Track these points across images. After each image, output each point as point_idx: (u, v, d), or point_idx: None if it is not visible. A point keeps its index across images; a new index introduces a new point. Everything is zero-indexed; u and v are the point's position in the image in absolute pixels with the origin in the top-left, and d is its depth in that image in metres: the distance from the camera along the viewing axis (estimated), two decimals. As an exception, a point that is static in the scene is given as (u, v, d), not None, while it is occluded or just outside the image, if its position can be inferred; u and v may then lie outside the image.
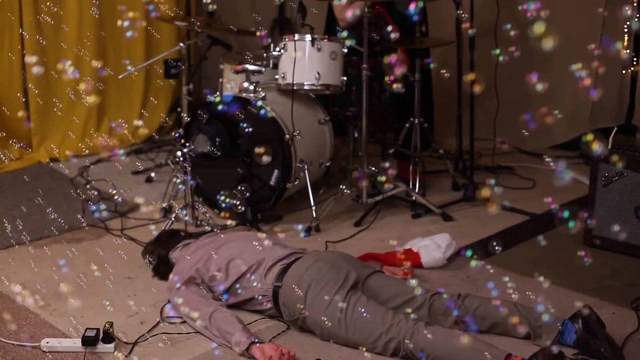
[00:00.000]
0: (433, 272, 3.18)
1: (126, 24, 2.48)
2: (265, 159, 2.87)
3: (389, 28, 3.06)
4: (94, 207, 3.40)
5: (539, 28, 1.85)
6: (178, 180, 3.84)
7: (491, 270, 2.71)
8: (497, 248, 2.60)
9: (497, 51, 2.20)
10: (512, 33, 2.11)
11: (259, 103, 3.54)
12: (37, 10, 4.76)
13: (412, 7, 2.35)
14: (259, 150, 2.91)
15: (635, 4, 4.34)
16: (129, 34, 2.46)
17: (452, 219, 3.80)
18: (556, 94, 4.84)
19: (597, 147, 2.11)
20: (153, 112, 5.51)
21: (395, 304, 2.63)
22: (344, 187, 3.80)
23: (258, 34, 3.24)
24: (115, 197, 2.90)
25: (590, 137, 2.08)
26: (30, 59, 3.98)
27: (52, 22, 4.80)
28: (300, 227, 3.55)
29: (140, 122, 4.96)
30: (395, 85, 3.12)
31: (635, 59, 4.44)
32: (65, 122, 5.02)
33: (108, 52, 5.19)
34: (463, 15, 4.12)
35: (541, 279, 2.47)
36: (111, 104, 5.28)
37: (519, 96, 4.69)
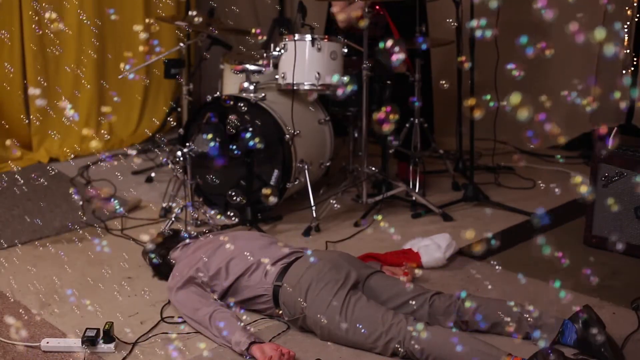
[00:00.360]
0: (433, 272, 3.18)
1: (128, 67, 2.50)
2: (272, 200, 2.86)
3: (394, 58, 3.05)
4: (98, 244, 3.39)
5: (515, 98, 1.89)
6: (174, 205, 3.79)
7: (497, 267, 2.72)
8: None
9: (488, 97, 2.22)
10: (515, 73, 2.14)
11: (248, 135, 3.53)
12: (38, 9, 4.76)
13: (394, 59, 2.38)
14: (265, 191, 2.89)
15: (635, 4, 4.34)
16: (130, 76, 2.48)
17: (452, 219, 3.80)
18: (557, 94, 4.83)
19: (585, 190, 2.17)
20: (153, 113, 5.51)
21: (395, 304, 2.63)
22: (334, 201, 3.78)
23: (253, 30, 3.23)
24: (117, 208, 2.91)
25: (578, 179, 2.11)
26: (34, 91, 4.00)
27: (52, 18, 4.80)
28: (309, 252, 3.53)
29: (134, 152, 4.98)
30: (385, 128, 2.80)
31: (635, 59, 4.44)
32: (65, 123, 5.02)
33: (108, 52, 5.19)
34: (453, 24, 4.09)
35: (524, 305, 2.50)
36: (111, 104, 5.27)
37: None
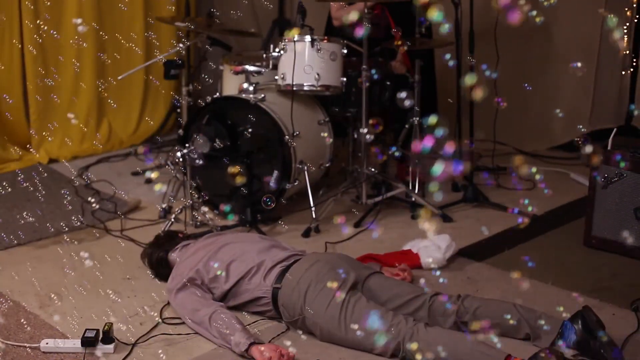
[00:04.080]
0: (432, 273, 3.18)
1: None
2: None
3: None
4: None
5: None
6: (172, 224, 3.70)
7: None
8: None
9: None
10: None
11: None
12: (37, 10, 4.76)
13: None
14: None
15: (634, 5, 4.35)
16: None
17: (451, 220, 3.80)
18: (556, 95, 4.84)
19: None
20: (153, 113, 5.51)
21: (394, 304, 2.63)
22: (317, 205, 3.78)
23: None
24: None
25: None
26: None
27: (53, 22, 4.82)
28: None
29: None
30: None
31: (635, 59, 4.44)
32: (65, 123, 5.02)
33: (108, 52, 5.18)
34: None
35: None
36: (111, 105, 5.27)
37: (519, 97, 4.69)
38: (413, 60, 4.08)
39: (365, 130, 3.61)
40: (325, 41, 3.76)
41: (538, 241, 3.50)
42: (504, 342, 2.51)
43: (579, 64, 2.37)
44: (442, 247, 3.23)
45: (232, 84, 4.12)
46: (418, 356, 2.37)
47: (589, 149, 3.11)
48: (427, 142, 2.27)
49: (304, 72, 3.70)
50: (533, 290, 2.93)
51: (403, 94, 3.58)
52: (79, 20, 4.70)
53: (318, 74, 3.72)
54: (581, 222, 3.47)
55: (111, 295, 2.95)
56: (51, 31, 4.80)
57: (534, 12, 2.35)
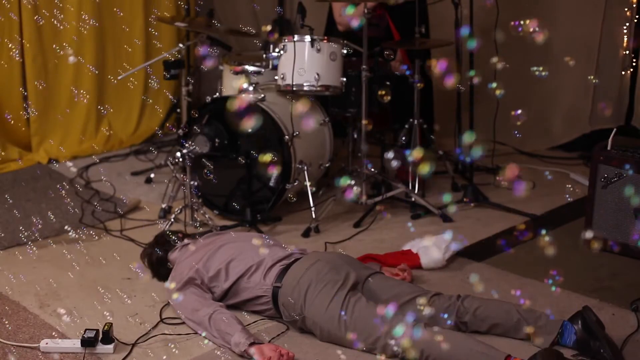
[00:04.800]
0: (432, 273, 3.18)
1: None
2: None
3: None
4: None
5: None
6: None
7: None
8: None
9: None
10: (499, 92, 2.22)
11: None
12: (37, 10, 4.76)
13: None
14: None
15: (634, 5, 4.35)
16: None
17: (451, 220, 3.80)
18: (556, 95, 4.84)
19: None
20: (153, 113, 5.51)
21: (394, 305, 2.63)
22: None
23: (264, 29, 3.26)
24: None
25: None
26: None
27: (52, 22, 4.82)
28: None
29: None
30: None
31: (634, 60, 4.44)
32: (64, 123, 5.02)
33: (107, 52, 5.19)
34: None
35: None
36: (110, 105, 5.27)
37: (518, 97, 4.69)
38: (412, 60, 4.08)
39: (392, 155, 3.59)
40: (325, 41, 3.76)
41: (538, 241, 3.49)
42: (504, 342, 2.51)
43: (520, 111, 2.42)
44: (441, 247, 3.23)
45: (232, 84, 4.12)
46: (417, 356, 2.38)
47: (589, 234, 3.18)
48: (391, 309, 2.37)
49: (298, 74, 3.71)
50: (533, 290, 2.93)
51: (390, 155, 3.59)
52: (70, 50, 4.73)
53: (318, 74, 3.72)
54: (581, 222, 3.47)
55: (111, 295, 2.96)
56: (52, 29, 4.81)
57: (494, 84, 2.40)
